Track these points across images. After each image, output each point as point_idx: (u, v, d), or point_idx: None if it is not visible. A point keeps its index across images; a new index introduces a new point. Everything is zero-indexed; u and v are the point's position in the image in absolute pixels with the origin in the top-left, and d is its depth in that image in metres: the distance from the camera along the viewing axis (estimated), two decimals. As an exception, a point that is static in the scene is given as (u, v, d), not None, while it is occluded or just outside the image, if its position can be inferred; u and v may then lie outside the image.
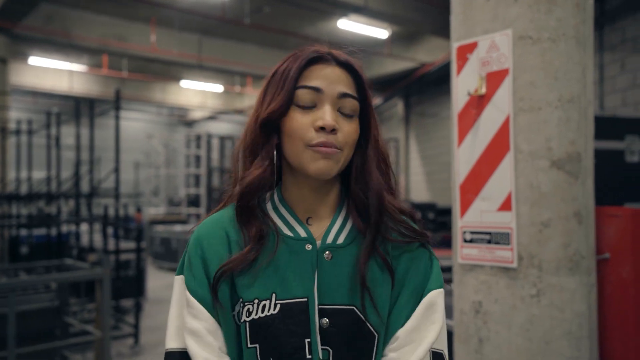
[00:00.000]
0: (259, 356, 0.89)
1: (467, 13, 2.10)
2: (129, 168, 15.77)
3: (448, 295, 2.53)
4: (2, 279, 4.55)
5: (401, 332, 0.92)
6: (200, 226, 0.98)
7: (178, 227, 11.40)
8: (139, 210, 8.02)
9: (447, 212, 8.26)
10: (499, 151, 1.99)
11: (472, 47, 2.06)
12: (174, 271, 0.99)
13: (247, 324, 0.90)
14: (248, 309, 0.90)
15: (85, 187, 7.71)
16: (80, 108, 7.19)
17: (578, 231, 1.93)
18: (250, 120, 0.98)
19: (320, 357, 0.89)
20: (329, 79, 0.92)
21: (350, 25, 9.35)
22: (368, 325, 0.91)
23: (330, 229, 0.96)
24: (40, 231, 7.25)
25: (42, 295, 4.36)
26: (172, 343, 0.94)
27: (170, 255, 10.65)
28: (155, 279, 9.08)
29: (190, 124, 19.50)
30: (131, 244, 7.00)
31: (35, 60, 11.78)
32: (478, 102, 2.04)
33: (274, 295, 0.90)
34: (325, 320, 0.90)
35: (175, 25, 10.25)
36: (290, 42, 10.64)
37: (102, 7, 9.85)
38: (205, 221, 0.99)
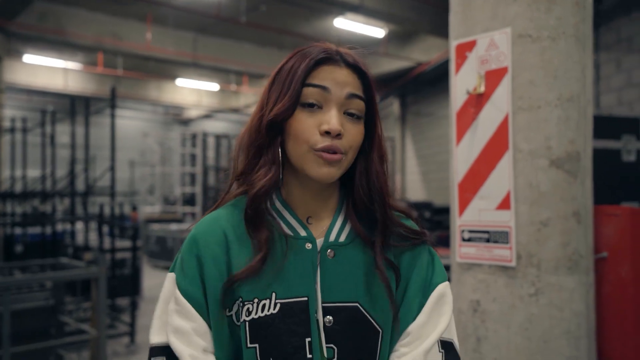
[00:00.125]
0: (258, 356, 0.88)
1: (466, 11, 2.09)
2: (124, 166, 15.72)
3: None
4: (-3, 277, 4.52)
5: (412, 327, 0.93)
6: (197, 225, 0.97)
7: (174, 226, 11.37)
8: (134, 208, 7.99)
9: (443, 211, 8.28)
10: (497, 150, 1.98)
11: (471, 45, 2.06)
12: (169, 270, 0.98)
13: (247, 323, 0.89)
14: (247, 308, 0.89)
15: (80, 185, 7.68)
16: (75, 106, 7.15)
17: (577, 230, 1.93)
18: (253, 117, 0.96)
19: (325, 355, 0.89)
20: (336, 81, 0.91)
21: (347, 24, 9.34)
22: (372, 321, 0.91)
23: (332, 227, 0.96)
24: (35, 230, 7.21)
25: (37, 294, 4.33)
26: (156, 338, 0.93)
27: (165, 254, 10.62)
28: (151, 278, 9.05)
29: (185, 122, 19.45)
30: (127, 243, 6.97)
31: (29, 58, 11.71)
32: (477, 101, 2.04)
33: (273, 294, 0.89)
34: (329, 318, 0.90)
35: (170, 23, 10.22)
36: (286, 41, 10.62)
37: (97, 5, 9.81)
38: (202, 220, 0.98)
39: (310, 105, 0.90)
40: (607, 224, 2.19)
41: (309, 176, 0.91)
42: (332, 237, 0.95)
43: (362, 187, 0.95)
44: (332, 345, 0.89)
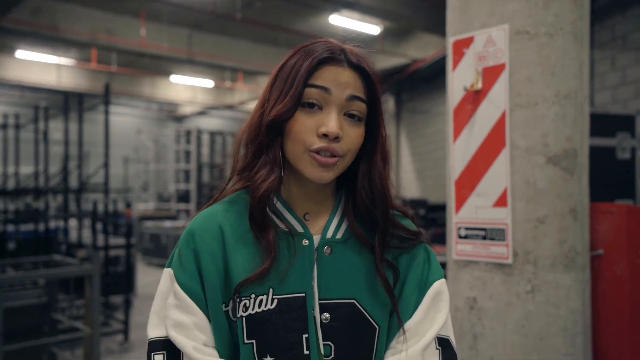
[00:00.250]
0: (255, 352, 0.88)
1: (464, 7, 2.08)
2: (118, 163, 15.65)
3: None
4: (-11, 275, 4.49)
5: (409, 325, 0.93)
6: (194, 220, 0.97)
7: (168, 223, 11.34)
8: (128, 205, 7.95)
9: (438, 208, 8.27)
10: (494, 147, 1.97)
11: (468, 41, 2.04)
12: (164, 267, 0.97)
13: (244, 319, 0.88)
14: (245, 304, 0.89)
15: (73, 182, 7.63)
16: (68, 102, 7.10)
17: (573, 228, 1.93)
18: (255, 113, 0.95)
19: (322, 352, 0.88)
20: (338, 82, 0.90)
21: (342, 21, 9.31)
22: (369, 318, 0.91)
23: (329, 224, 0.96)
24: (27, 227, 7.16)
25: (30, 291, 4.30)
26: (154, 332, 0.92)
27: (159, 251, 10.58)
28: (145, 275, 9.02)
29: (180, 119, 19.38)
30: (120, 240, 6.94)
31: (22, 53, 11.63)
32: (474, 98, 2.03)
33: (271, 290, 0.89)
34: (326, 315, 0.89)
35: (165, 19, 10.16)
36: (282, 38, 10.59)
37: (90, 0, 9.74)
38: (199, 215, 0.97)
39: (311, 105, 0.89)
40: (603, 222, 2.19)
41: (304, 176, 0.91)
42: (329, 234, 0.95)
43: (364, 189, 0.94)
44: (329, 342, 0.89)
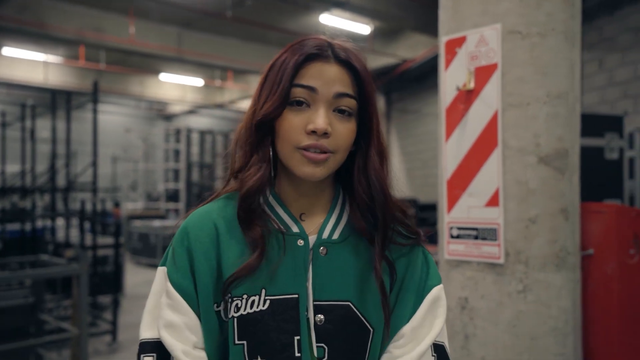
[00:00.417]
0: (246, 353, 0.87)
1: (456, 7, 2.08)
2: (106, 162, 15.52)
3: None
4: (-25, 275, 4.42)
5: (406, 329, 0.92)
6: (189, 218, 0.96)
7: (157, 223, 11.26)
8: (117, 205, 7.89)
9: (428, 208, 8.30)
10: (486, 147, 1.97)
11: (460, 41, 2.04)
12: (153, 267, 0.96)
13: (235, 319, 0.87)
14: (236, 304, 0.88)
15: (61, 181, 7.56)
16: (56, 100, 7.03)
17: (565, 227, 1.93)
18: (247, 115, 0.95)
19: (315, 354, 0.87)
20: (325, 79, 0.88)
21: (333, 20, 9.31)
22: (364, 320, 0.90)
23: (325, 224, 0.95)
24: (14, 226, 7.07)
25: (16, 291, 4.24)
26: (147, 333, 0.91)
27: (148, 250, 10.51)
28: (134, 275, 8.96)
29: (169, 118, 19.27)
30: (109, 240, 6.89)
31: (8, 50, 11.49)
32: (466, 97, 2.03)
33: (263, 290, 0.88)
34: (321, 316, 0.88)
35: (154, 17, 10.09)
36: (272, 36, 10.57)
37: (78, -2, 9.65)
38: (194, 213, 0.96)
39: (299, 104, 0.88)
40: (593, 221, 2.20)
41: (296, 175, 0.90)
42: (325, 235, 0.93)
43: (360, 184, 0.93)
44: (322, 344, 0.88)
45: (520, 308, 1.93)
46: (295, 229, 0.93)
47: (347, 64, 0.91)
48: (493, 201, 1.96)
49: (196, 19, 10.23)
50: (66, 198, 7.04)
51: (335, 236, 0.94)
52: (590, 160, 3.14)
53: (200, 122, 17.80)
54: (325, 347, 0.88)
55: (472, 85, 2.00)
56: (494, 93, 1.95)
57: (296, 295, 0.88)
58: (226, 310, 0.88)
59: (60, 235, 7.39)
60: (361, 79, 0.91)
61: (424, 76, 11.37)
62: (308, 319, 0.88)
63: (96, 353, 5.07)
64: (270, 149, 0.93)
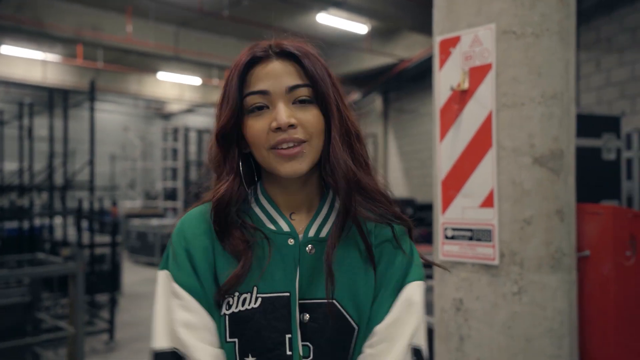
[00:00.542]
0: (237, 351, 0.87)
1: (450, 6, 2.07)
2: (104, 161, 15.52)
3: (429, 291, 2.52)
4: (-29, 274, 4.41)
5: (379, 328, 0.90)
6: (184, 218, 0.96)
7: (155, 221, 11.26)
8: (114, 203, 7.89)
9: (425, 207, 8.30)
10: (481, 147, 1.97)
11: (455, 41, 2.04)
12: (151, 265, 0.96)
13: (227, 317, 0.87)
14: (228, 302, 0.88)
15: (59, 179, 7.55)
16: (53, 99, 7.01)
17: (560, 229, 1.93)
18: (212, 133, 0.96)
19: (301, 353, 0.87)
20: (272, 77, 0.90)
21: (330, 20, 9.31)
22: (348, 318, 0.90)
23: (312, 222, 0.95)
24: (11, 224, 7.06)
25: (14, 290, 4.24)
26: (160, 342, 0.88)
27: (146, 249, 10.51)
28: (132, 274, 8.96)
29: (167, 116, 19.26)
30: (106, 238, 6.88)
31: (6, 49, 11.47)
32: (460, 97, 2.02)
33: (255, 288, 0.88)
34: (306, 315, 0.88)
35: (152, 16, 10.08)
36: (269, 36, 10.54)
37: (76, -4, 9.64)
38: (189, 213, 0.97)
39: (259, 109, 0.90)
40: (590, 223, 2.19)
41: (279, 175, 0.90)
42: (311, 233, 0.94)
43: (325, 168, 0.92)
44: (307, 342, 0.88)
45: (515, 309, 1.92)
46: (286, 228, 0.93)
47: (287, 55, 0.92)
48: (488, 202, 1.95)
49: (193, 18, 10.23)
50: (64, 196, 7.03)
51: (323, 234, 0.94)
52: (588, 161, 3.14)
53: (198, 120, 17.79)
54: (311, 346, 0.88)
55: (466, 85, 1.99)
56: (488, 93, 1.95)
57: (287, 294, 0.89)
58: (219, 308, 0.89)
59: (58, 233, 7.38)
60: (306, 66, 0.91)
61: (421, 76, 11.37)
62: (296, 317, 0.88)
63: (93, 352, 5.07)
64: (239, 160, 0.94)
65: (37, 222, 6.95)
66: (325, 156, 0.92)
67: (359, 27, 9.84)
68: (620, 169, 3.35)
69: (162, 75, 14.21)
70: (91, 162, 6.15)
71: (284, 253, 0.91)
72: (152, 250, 10.24)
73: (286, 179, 0.92)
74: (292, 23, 10.38)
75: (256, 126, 0.89)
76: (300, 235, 0.93)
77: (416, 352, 0.91)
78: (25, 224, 6.45)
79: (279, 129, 0.87)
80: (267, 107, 0.89)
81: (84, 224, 6.87)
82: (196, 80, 14.50)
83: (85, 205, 6.66)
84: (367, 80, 12.86)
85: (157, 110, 18.95)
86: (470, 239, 2.00)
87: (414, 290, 0.93)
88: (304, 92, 0.90)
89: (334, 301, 0.89)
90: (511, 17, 1.91)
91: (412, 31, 9.93)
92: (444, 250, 2.09)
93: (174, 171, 13.51)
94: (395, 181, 13.42)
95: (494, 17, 1.94)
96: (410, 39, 10.79)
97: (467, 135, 2.01)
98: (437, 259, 2.14)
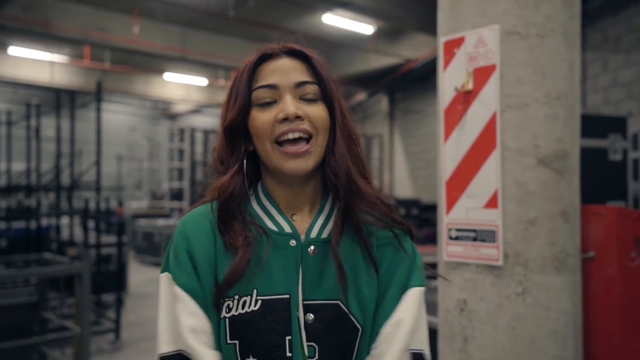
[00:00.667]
0: (238, 353, 0.87)
1: (454, 7, 2.07)
2: (111, 161, 15.58)
3: (433, 292, 2.52)
4: (-21, 273, 4.44)
5: (383, 330, 0.92)
6: (185, 218, 0.96)
7: (161, 221, 11.30)
8: (120, 204, 7.92)
9: (431, 208, 8.29)
10: (485, 148, 1.97)
11: (459, 42, 2.04)
12: (157, 265, 0.97)
13: (227, 320, 0.88)
14: (228, 304, 0.88)
15: (66, 179, 7.58)
16: (61, 99, 7.05)
17: (564, 229, 1.93)
18: (219, 130, 0.98)
19: (306, 353, 0.88)
20: (281, 72, 0.92)
21: (335, 20, 9.31)
22: (352, 319, 0.90)
23: (314, 223, 0.95)
24: (19, 224, 7.11)
25: (21, 289, 4.27)
26: (165, 347, 0.89)
27: (152, 249, 10.55)
28: (138, 274, 8.99)
29: (173, 117, 19.32)
30: (113, 238, 6.91)
31: (14, 50, 11.55)
32: (465, 98, 2.02)
33: (255, 291, 0.89)
34: (311, 316, 0.89)
35: (158, 17, 10.12)
36: (275, 36, 10.54)
37: (83, -3, 9.69)
38: (190, 213, 0.97)
39: (267, 104, 0.92)
40: (594, 224, 2.19)
41: (282, 173, 0.91)
42: (313, 234, 0.94)
43: (329, 166, 0.93)
44: (313, 343, 0.88)
45: (520, 310, 1.92)
46: (287, 229, 0.94)
47: (297, 54, 0.95)
48: (492, 203, 1.95)
49: (199, 18, 10.26)
50: (70, 197, 7.07)
51: (325, 235, 0.94)
52: (594, 161, 3.13)
53: (204, 121, 17.84)
54: (316, 346, 0.88)
55: (470, 86, 1.99)
56: (492, 94, 1.94)
57: (287, 296, 0.89)
58: (219, 311, 0.89)
59: (65, 233, 7.42)
60: (315, 66, 0.94)
61: (427, 76, 11.35)
62: (298, 319, 0.89)
63: (99, 351, 5.09)
64: (245, 157, 0.95)
65: (44, 222, 6.99)
66: (329, 155, 0.93)
67: (365, 28, 9.84)
68: (627, 170, 3.33)
69: (168, 75, 14.26)
70: (98, 163, 6.19)
71: (285, 254, 0.91)
72: (158, 251, 10.28)
73: (289, 178, 0.93)
74: (297, 24, 10.39)
75: (263, 117, 0.91)
76: (303, 236, 0.93)
77: (417, 357, 0.91)
78: (33, 224, 6.49)
79: (286, 119, 0.89)
80: (275, 102, 0.91)
81: (91, 224, 6.91)
82: (202, 81, 14.55)
83: (92, 205, 6.70)
84: (373, 81, 12.85)
85: (164, 111, 19.01)
86: (474, 239, 2.00)
87: (415, 296, 0.94)
88: (311, 90, 0.92)
89: (339, 302, 0.90)
90: (515, 18, 1.91)
91: (418, 31, 9.92)
92: (448, 250, 2.09)
93: (180, 171, 13.55)
94: (401, 181, 13.41)
95: (498, 18, 1.94)
96: (416, 40, 10.78)
97: (471, 136, 2.01)
98: (441, 259, 2.14)
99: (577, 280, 1.99)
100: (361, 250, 0.94)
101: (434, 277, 2.38)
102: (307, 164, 0.90)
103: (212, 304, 0.89)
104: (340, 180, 0.91)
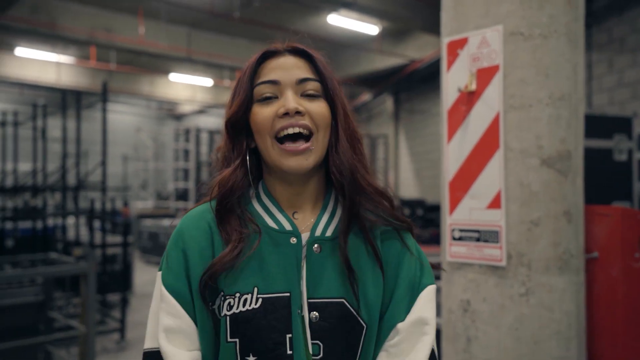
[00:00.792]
0: (238, 351, 0.88)
1: (458, 8, 2.07)
2: (117, 161, 15.64)
3: (436, 292, 2.52)
4: (-15, 273, 4.47)
5: (401, 327, 0.92)
6: (183, 219, 0.97)
7: (166, 222, 11.33)
8: (126, 204, 7.95)
9: (436, 208, 8.28)
10: (488, 149, 1.97)
11: (462, 42, 2.04)
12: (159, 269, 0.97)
13: (228, 318, 0.88)
14: (229, 302, 0.89)
15: (71, 180, 7.62)
16: (67, 100, 7.09)
17: (568, 230, 1.92)
18: (223, 128, 0.99)
19: (311, 351, 0.88)
20: (283, 69, 0.94)
21: (340, 21, 9.31)
22: (357, 317, 0.90)
23: (318, 221, 0.96)
24: (25, 224, 7.15)
25: (27, 289, 4.30)
26: (148, 342, 0.93)
27: (158, 249, 10.59)
28: (143, 274, 9.02)
29: (179, 117, 19.37)
30: (118, 238, 6.94)
31: (21, 51, 11.62)
32: (468, 99, 2.02)
33: (255, 289, 0.89)
34: (315, 314, 0.89)
35: (163, 17, 10.15)
36: (279, 37, 10.57)
37: (89, -2, 9.74)
38: (188, 214, 0.98)
39: (267, 99, 0.93)
40: (598, 224, 2.18)
41: (281, 170, 0.92)
42: (318, 232, 0.94)
43: (334, 164, 0.94)
44: (317, 341, 0.89)
45: (523, 311, 1.92)
46: (288, 227, 0.94)
47: (300, 52, 0.96)
48: (495, 203, 1.95)
49: (205, 19, 10.29)
50: (76, 197, 7.11)
51: (329, 233, 0.95)
52: (599, 162, 3.12)
53: (209, 121, 17.88)
54: (320, 344, 0.88)
55: (473, 86, 1.99)
56: (495, 95, 1.94)
57: (288, 294, 0.89)
58: (219, 308, 0.90)
59: (71, 233, 7.46)
60: (317, 64, 0.96)
61: (432, 76, 11.34)
62: (303, 317, 0.89)
63: (105, 351, 5.12)
64: (246, 152, 0.97)
65: (50, 222, 7.03)
66: (332, 153, 0.94)
67: (370, 28, 9.83)
68: (632, 170, 3.32)
69: (174, 76, 14.31)
70: (103, 163, 6.22)
71: (285, 252, 0.92)
72: (163, 251, 10.28)
73: (290, 175, 0.94)
74: (302, 24, 10.40)
75: (263, 112, 0.92)
76: (307, 234, 0.94)
77: (431, 354, 0.93)
78: (39, 224, 6.53)
79: (286, 114, 0.90)
80: (276, 97, 0.93)
81: (96, 224, 6.94)
82: (208, 82, 14.58)
83: (98, 205, 6.73)
84: (378, 81, 12.85)
85: (169, 111, 19.07)
86: (478, 240, 2.00)
87: (431, 294, 0.96)
88: (313, 86, 0.93)
89: (344, 300, 0.90)
90: (519, 19, 1.91)
91: (423, 32, 9.91)
92: (451, 251, 2.09)
93: (186, 172, 13.58)
94: (406, 182, 13.39)
95: (501, 19, 1.94)
96: (421, 40, 10.77)
97: (474, 137, 2.01)
98: (444, 260, 2.14)
99: (580, 280, 1.99)
100: (366, 248, 0.94)
101: (438, 277, 2.38)
102: (307, 161, 0.90)
103: (201, 300, 0.90)
104: (345, 178, 0.92)
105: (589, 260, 2.16)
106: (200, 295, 0.90)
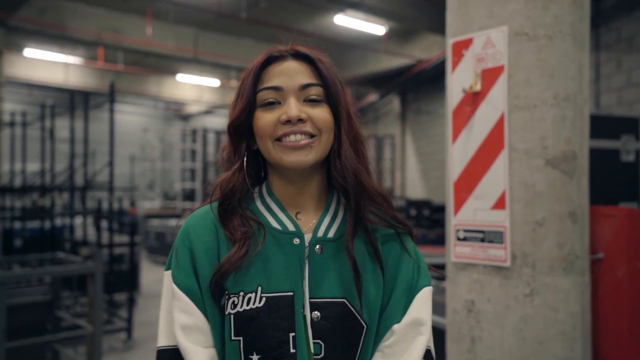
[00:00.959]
0: (242, 349, 0.89)
1: (462, 9, 2.07)
2: (124, 162, 15.71)
3: (441, 293, 2.52)
4: (-6, 272, 4.51)
5: (397, 328, 0.93)
6: (188, 218, 0.99)
7: (173, 222, 11.37)
8: (133, 204, 7.98)
9: (442, 209, 8.26)
10: (493, 149, 1.97)
11: (467, 43, 2.04)
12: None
13: (232, 316, 0.90)
14: (233, 301, 0.90)
15: (79, 180, 7.67)
16: (74, 100, 7.13)
17: (572, 231, 1.92)
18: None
19: (312, 350, 0.89)
20: (286, 74, 0.94)
21: (347, 21, 9.32)
22: (358, 317, 0.91)
23: (320, 222, 0.97)
24: (33, 224, 7.20)
25: (35, 288, 4.33)
26: (162, 340, 0.94)
27: (165, 249, 10.63)
28: (150, 273, 9.06)
29: (186, 118, 19.44)
30: (125, 238, 6.97)
31: (30, 52, 11.70)
32: (473, 99, 2.02)
33: (259, 288, 0.90)
34: (317, 313, 0.90)
35: (171, 18, 10.20)
36: (286, 37, 10.59)
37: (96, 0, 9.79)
38: (193, 214, 1.00)
39: (270, 104, 0.93)
40: (604, 225, 2.18)
41: (283, 167, 0.93)
42: (320, 233, 0.95)
43: (336, 168, 0.95)
44: (319, 340, 0.90)
45: (527, 312, 1.92)
46: (291, 228, 0.95)
47: (303, 57, 0.97)
48: (499, 204, 1.95)
49: (212, 20, 10.32)
50: (84, 197, 7.14)
51: (331, 234, 0.96)
52: (606, 162, 3.11)
53: (216, 122, 17.93)
54: (322, 344, 0.89)
55: (478, 87, 1.99)
56: (500, 95, 1.94)
57: (291, 293, 0.90)
58: (224, 307, 0.91)
59: (78, 233, 7.50)
60: (320, 68, 0.96)
61: (439, 77, 11.31)
62: (304, 316, 0.90)
63: (111, 350, 5.14)
64: (245, 152, 0.98)
65: (58, 222, 7.08)
66: (334, 157, 0.95)
67: (377, 28, 9.83)
68: (639, 171, 3.30)
69: (181, 77, 14.36)
70: (111, 163, 6.25)
71: (289, 252, 0.93)
72: (170, 251, 10.35)
73: (291, 172, 0.95)
74: (309, 25, 10.41)
75: (266, 118, 0.93)
76: (309, 235, 0.95)
77: (427, 354, 0.94)
78: (47, 224, 6.57)
79: (288, 121, 0.91)
80: (279, 103, 0.93)
81: (104, 224, 6.98)
82: (214, 82, 14.63)
83: (105, 205, 6.76)
84: (384, 81, 12.84)
85: (176, 112, 19.14)
86: (482, 240, 2.00)
87: (427, 295, 0.97)
88: (315, 92, 0.94)
89: (345, 300, 0.91)
90: (523, 19, 1.91)
91: (430, 32, 9.90)
92: (456, 252, 2.09)
93: (193, 172, 13.62)
94: (413, 182, 13.37)
95: (506, 19, 1.94)
96: (428, 40, 10.75)
97: (479, 137, 2.01)
98: (449, 260, 2.14)
99: (585, 281, 1.99)
100: (368, 250, 0.95)
101: (440, 278, 2.38)
102: (307, 157, 0.91)
103: (211, 298, 0.91)
104: (349, 183, 0.93)
105: (594, 261, 2.16)
106: (211, 294, 0.91)
